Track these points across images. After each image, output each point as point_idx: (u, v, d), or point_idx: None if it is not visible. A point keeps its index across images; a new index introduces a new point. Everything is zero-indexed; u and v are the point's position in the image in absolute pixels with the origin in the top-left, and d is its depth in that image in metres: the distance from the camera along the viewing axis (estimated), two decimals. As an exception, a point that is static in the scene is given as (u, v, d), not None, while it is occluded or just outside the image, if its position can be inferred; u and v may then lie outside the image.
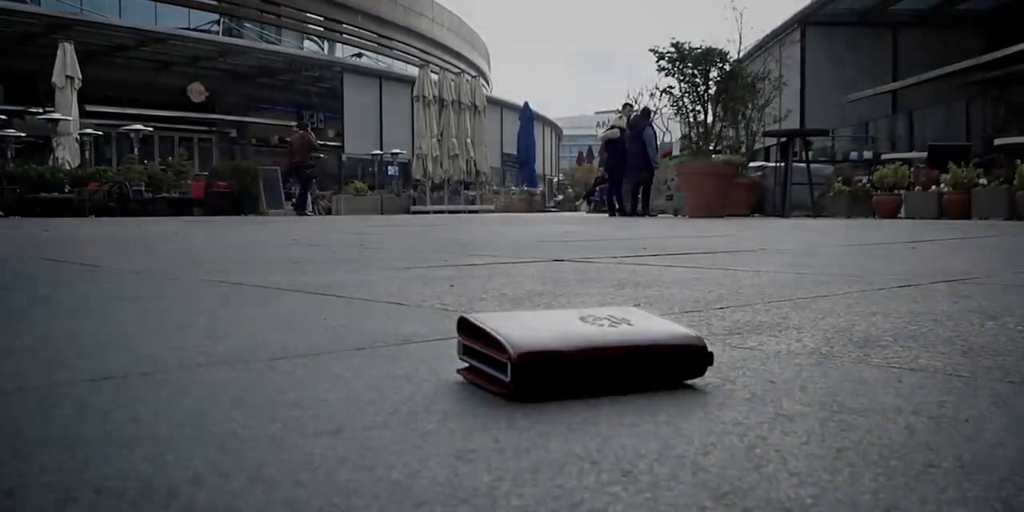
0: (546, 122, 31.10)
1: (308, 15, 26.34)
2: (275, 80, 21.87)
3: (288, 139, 13.89)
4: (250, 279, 1.61)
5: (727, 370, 0.70)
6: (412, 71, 21.84)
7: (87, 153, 15.28)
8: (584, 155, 32.62)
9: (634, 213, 10.75)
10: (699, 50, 9.35)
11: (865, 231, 4.52)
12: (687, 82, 9.42)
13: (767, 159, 13.02)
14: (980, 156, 9.59)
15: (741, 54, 10.38)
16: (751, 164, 10.42)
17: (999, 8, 13.29)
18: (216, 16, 23.71)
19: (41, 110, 15.26)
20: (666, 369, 0.64)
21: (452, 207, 17.54)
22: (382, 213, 14.99)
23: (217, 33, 22.56)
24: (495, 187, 22.63)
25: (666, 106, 9.86)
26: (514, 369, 0.58)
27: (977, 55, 11.74)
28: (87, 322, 1.03)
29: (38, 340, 0.88)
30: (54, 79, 14.02)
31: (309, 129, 13.24)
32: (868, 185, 9.49)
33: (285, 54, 21.45)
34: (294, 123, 14.18)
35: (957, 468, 0.44)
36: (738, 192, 9.24)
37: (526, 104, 23.99)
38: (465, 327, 0.66)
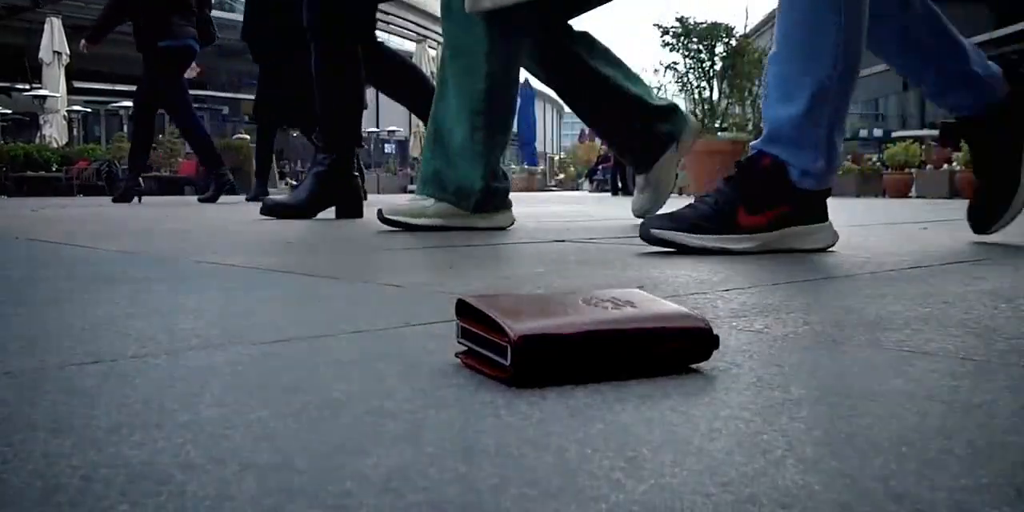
0: (547, 99, 30.80)
1: (304, -10, 25.84)
2: (270, 56, 21.55)
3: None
4: (244, 261, 1.59)
5: (733, 354, 0.69)
6: (409, 46, 21.53)
7: (75, 131, 15.15)
8: (586, 133, 32.37)
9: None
10: (704, 25, 9.20)
11: (875, 211, 4.50)
12: (692, 58, 9.28)
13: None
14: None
15: (748, 29, 10.22)
16: (759, 142, 10.31)
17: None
18: (209, -9, 23.28)
19: (27, 86, 15.08)
20: (670, 353, 0.62)
21: (451, 186, 17.36)
22: (379, 192, 14.92)
23: (210, 8, 22.16)
24: (495, 166, 22.41)
25: (670, 82, 9.73)
26: (514, 352, 0.57)
27: (989, 31, 11.56)
28: (75, 304, 1.01)
29: (25, 323, 0.87)
30: (41, 55, 13.83)
31: None
32: (878, 164, 9.42)
33: (281, 30, 21.10)
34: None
35: (970, 454, 0.43)
36: (743, 171, 9.16)
37: (527, 81, 23.71)
38: (464, 309, 0.65)
